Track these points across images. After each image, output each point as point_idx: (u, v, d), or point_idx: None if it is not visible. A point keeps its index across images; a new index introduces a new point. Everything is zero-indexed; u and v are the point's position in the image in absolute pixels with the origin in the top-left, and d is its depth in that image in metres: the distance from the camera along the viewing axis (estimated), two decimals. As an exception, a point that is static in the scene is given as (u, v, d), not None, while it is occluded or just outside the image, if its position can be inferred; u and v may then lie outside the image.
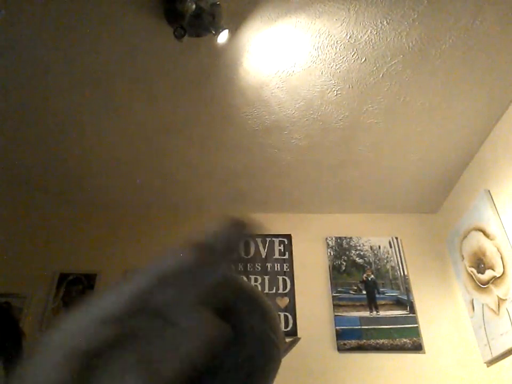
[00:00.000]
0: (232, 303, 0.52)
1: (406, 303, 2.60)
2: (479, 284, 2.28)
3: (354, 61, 1.90)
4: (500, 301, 2.08)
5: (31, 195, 2.79)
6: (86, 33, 1.76)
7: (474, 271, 2.33)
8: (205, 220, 2.89)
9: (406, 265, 2.74)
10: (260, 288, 2.63)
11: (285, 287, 2.65)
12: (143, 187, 2.74)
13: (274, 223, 2.90)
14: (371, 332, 2.49)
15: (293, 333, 2.47)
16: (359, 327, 2.51)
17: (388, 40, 1.81)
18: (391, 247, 2.82)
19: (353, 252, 2.81)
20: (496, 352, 2.10)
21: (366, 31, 1.77)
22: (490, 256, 2.18)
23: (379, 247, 2.82)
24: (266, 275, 2.69)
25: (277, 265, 2.73)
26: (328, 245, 2.82)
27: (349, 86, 2.03)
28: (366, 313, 2.57)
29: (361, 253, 2.80)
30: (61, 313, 2.54)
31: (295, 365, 2.36)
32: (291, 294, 2.63)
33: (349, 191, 2.77)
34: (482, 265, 2.25)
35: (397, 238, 2.84)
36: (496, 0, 1.64)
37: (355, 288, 2.67)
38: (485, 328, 2.22)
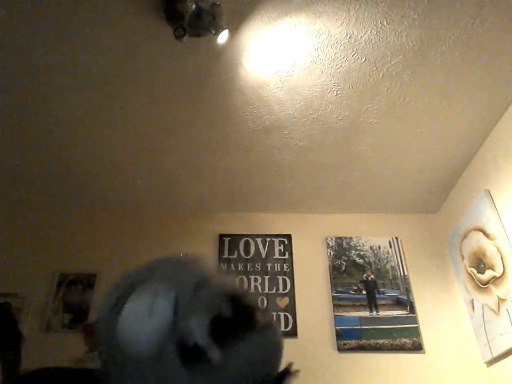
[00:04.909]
0: None
1: (406, 303, 2.60)
2: (479, 284, 2.28)
3: (354, 61, 1.90)
4: (500, 301, 2.09)
5: (31, 195, 2.79)
6: (86, 33, 1.76)
7: (474, 271, 2.33)
8: (204, 220, 2.90)
9: (406, 265, 2.74)
10: (259, 288, 2.63)
11: (285, 287, 2.65)
12: (143, 187, 2.74)
13: (274, 223, 2.90)
14: (371, 332, 2.49)
15: (293, 332, 2.47)
16: (359, 327, 2.51)
17: (388, 40, 1.81)
18: (391, 247, 2.82)
19: (353, 251, 2.81)
20: (496, 352, 2.10)
21: (366, 31, 1.77)
22: (490, 256, 2.18)
23: (379, 247, 2.82)
24: (266, 275, 2.69)
25: (277, 265, 2.73)
26: (328, 245, 2.82)
27: (349, 86, 2.02)
28: (366, 313, 2.57)
29: (361, 253, 2.80)
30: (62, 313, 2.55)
31: (295, 364, 2.36)
32: (291, 294, 2.62)
33: (349, 191, 2.77)
34: (482, 265, 2.25)
35: (397, 238, 2.84)
36: (496, 0, 1.65)
37: (355, 288, 2.67)
38: (485, 328, 2.22)
